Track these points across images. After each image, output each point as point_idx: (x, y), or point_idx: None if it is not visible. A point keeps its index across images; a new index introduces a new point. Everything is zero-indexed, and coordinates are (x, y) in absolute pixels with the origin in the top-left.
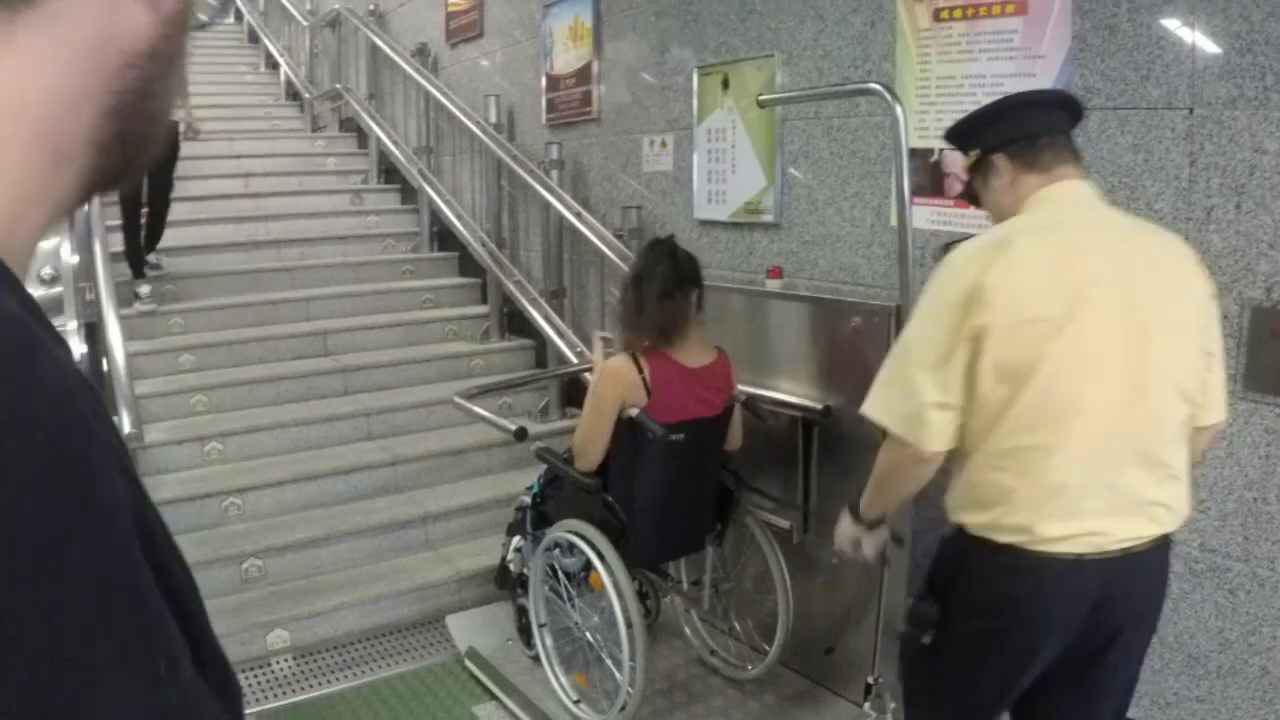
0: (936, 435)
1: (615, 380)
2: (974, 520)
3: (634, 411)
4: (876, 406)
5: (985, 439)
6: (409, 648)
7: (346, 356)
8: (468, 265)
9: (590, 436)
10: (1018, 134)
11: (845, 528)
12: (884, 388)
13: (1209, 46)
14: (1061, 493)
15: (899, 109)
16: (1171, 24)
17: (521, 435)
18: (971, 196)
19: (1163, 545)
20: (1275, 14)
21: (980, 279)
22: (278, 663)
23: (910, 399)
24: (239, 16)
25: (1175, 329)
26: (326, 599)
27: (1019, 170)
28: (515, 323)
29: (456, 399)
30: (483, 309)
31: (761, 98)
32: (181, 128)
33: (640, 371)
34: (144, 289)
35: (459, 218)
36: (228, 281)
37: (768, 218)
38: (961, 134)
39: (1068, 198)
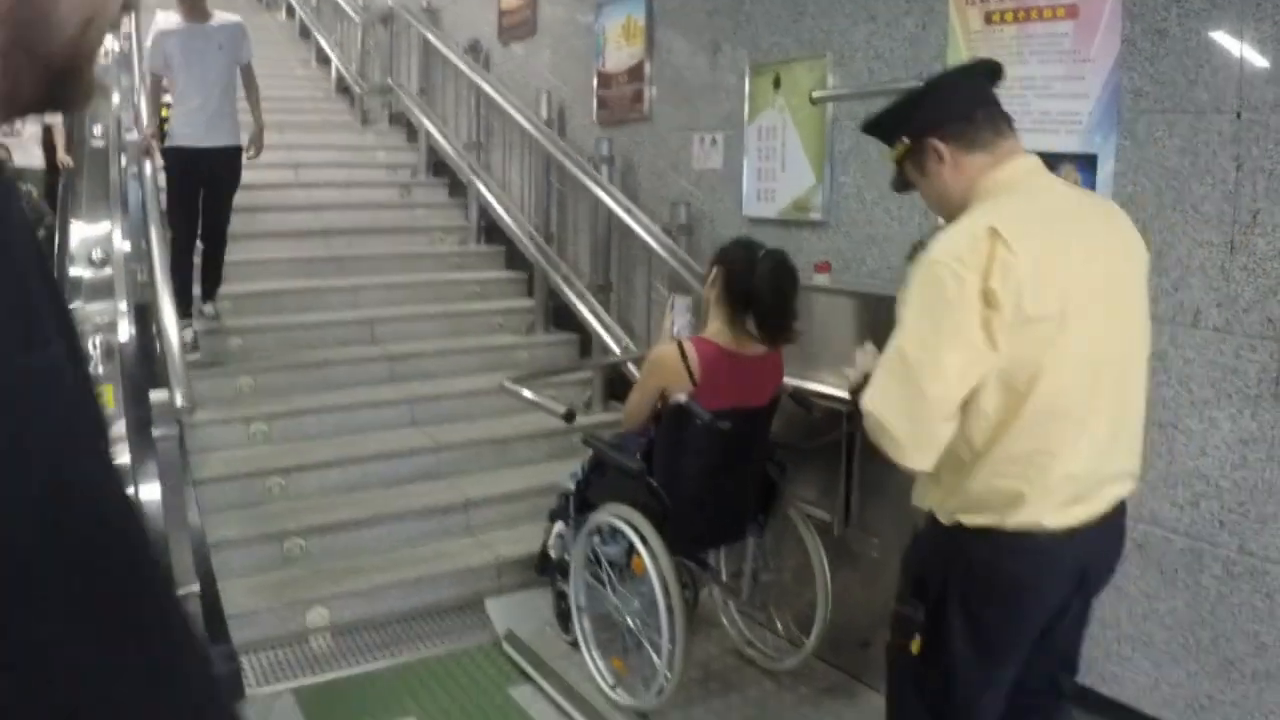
0: (934, 456)
1: (656, 370)
2: (975, 521)
3: (682, 397)
4: (884, 412)
5: (989, 449)
6: (447, 630)
7: (393, 345)
8: (515, 259)
9: (634, 410)
10: (950, 114)
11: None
12: (889, 398)
13: (1257, 51)
14: (1068, 485)
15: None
16: (1220, 29)
17: (570, 417)
18: (903, 185)
19: (1123, 508)
20: None
21: (984, 281)
22: (316, 639)
23: (917, 417)
24: (290, 12)
25: (1138, 303)
26: (367, 578)
27: (960, 152)
28: (561, 317)
29: (506, 383)
30: (529, 302)
31: (815, 94)
32: (248, 149)
33: (684, 359)
34: (187, 333)
35: (507, 211)
36: (276, 267)
37: (816, 216)
38: (884, 125)
39: (1024, 178)
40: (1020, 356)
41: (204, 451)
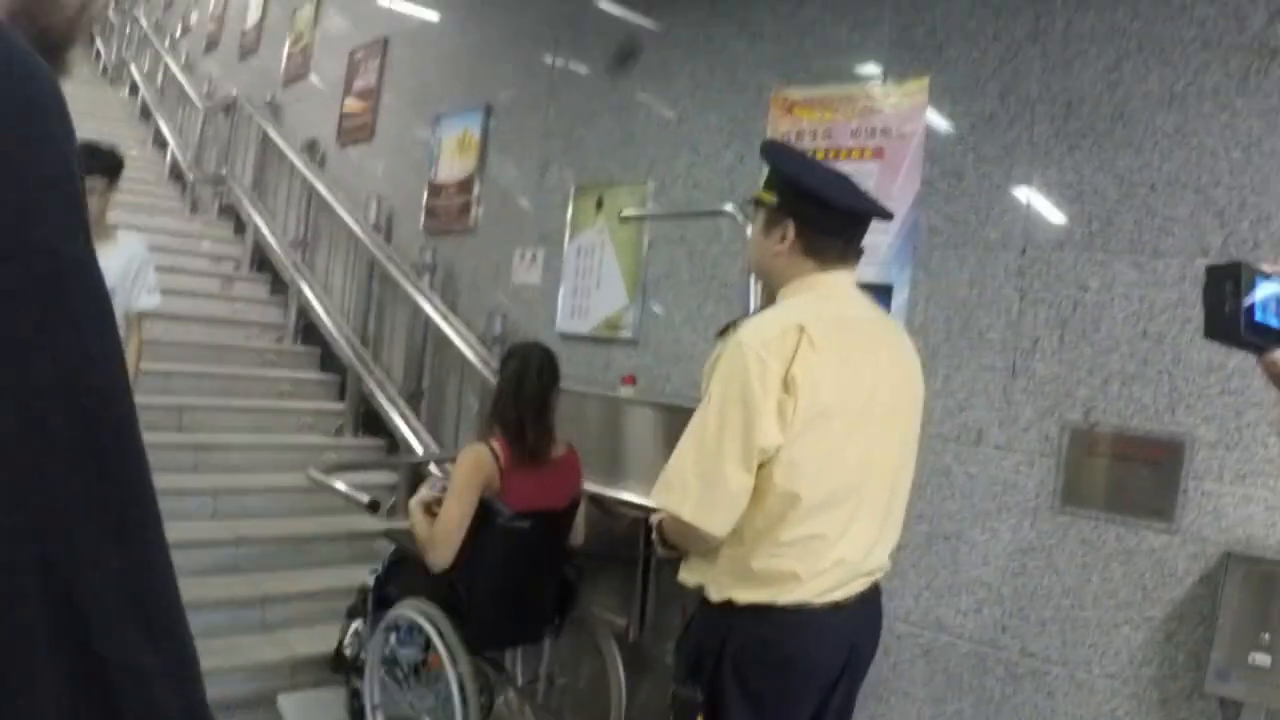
0: (730, 523)
1: (477, 465)
2: (747, 597)
3: (484, 495)
4: (676, 499)
5: (770, 530)
6: None
7: (201, 434)
8: (329, 361)
9: (451, 523)
10: (823, 225)
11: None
12: (685, 478)
13: (1042, 195)
14: (838, 569)
15: (750, 230)
16: (1011, 174)
17: (375, 507)
18: (753, 207)
19: (878, 589)
20: (1103, 168)
21: (786, 368)
22: None
23: (718, 490)
24: (134, 90)
25: (913, 419)
26: None
27: (800, 252)
28: (371, 422)
29: (313, 471)
30: (340, 405)
31: (624, 213)
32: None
33: (496, 459)
34: None
35: (326, 312)
36: None
37: (626, 334)
38: (776, 172)
39: (840, 289)
40: (809, 445)
41: None
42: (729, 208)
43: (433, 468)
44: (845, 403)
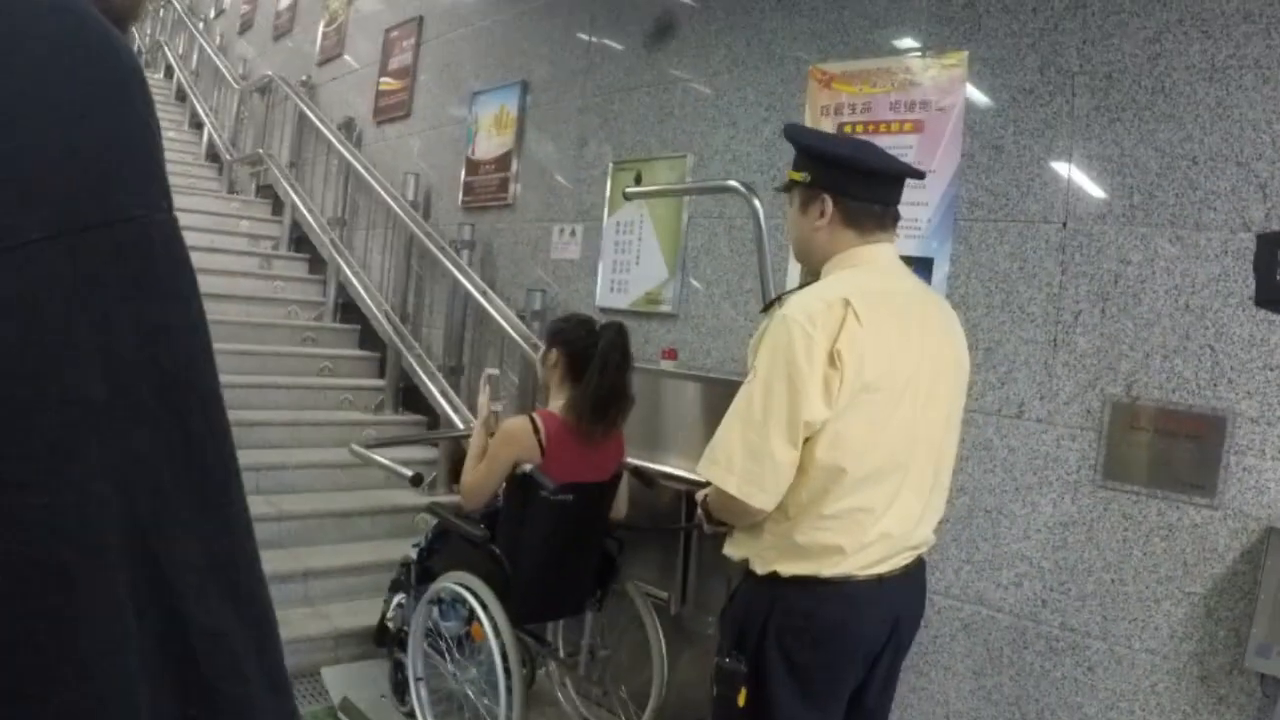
0: (776, 497)
1: (511, 441)
2: (791, 570)
3: (528, 467)
4: (722, 473)
5: (815, 504)
6: None
7: (241, 412)
8: (369, 338)
9: (480, 483)
10: (857, 193)
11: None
12: (732, 452)
13: (1082, 168)
14: (882, 543)
15: (756, 203)
16: (1051, 147)
17: (418, 480)
18: (785, 190)
19: (922, 563)
20: (1144, 141)
21: (832, 343)
22: None
23: (764, 464)
24: (169, 73)
25: (957, 393)
26: None
27: (840, 223)
28: (410, 398)
29: (355, 446)
30: (379, 382)
31: (627, 191)
32: None
33: (536, 432)
34: None
35: (365, 290)
36: None
37: (666, 308)
38: (806, 152)
39: (883, 262)
40: (854, 419)
41: None
42: (733, 183)
43: (487, 370)
44: (891, 377)
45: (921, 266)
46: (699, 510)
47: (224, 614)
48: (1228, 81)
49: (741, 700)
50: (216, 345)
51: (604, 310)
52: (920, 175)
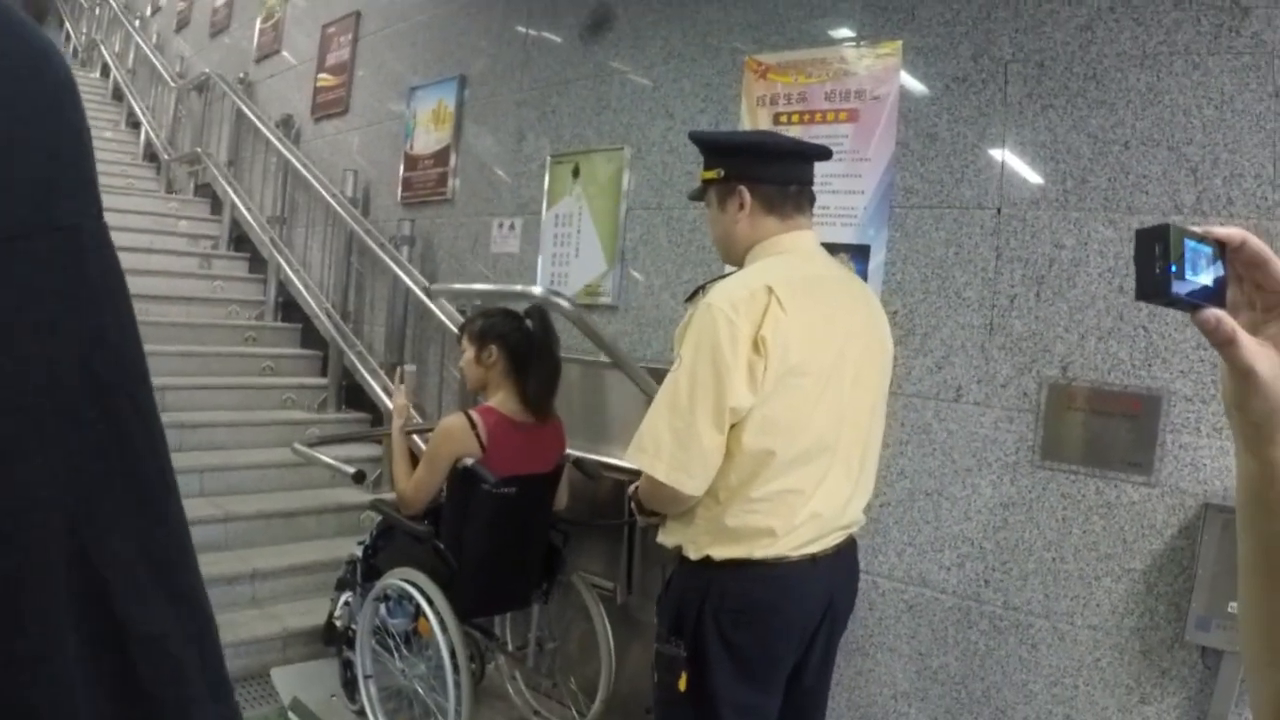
0: (706, 483)
1: (450, 439)
2: (724, 554)
3: (469, 462)
4: (650, 460)
5: (744, 487)
6: None
7: (183, 414)
8: (310, 337)
9: (420, 485)
10: (770, 176)
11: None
12: (659, 439)
13: (1016, 155)
14: (813, 524)
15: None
16: (985, 134)
17: (360, 478)
18: (698, 197)
19: (854, 543)
20: (1076, 127)
21: (756, 330)
22: None
23: (691, 450)
24: (105, 72)
25: (881, 376)
26: None
27: (760, 210)
28: (353, 396)
29: (298, 445)
30: (322, 380)
31: (432, 286)
32: None
33: (474, 427)
34: None
35: (306, 288)
36: None
37: (606, 300)
38: (712, 149)
39: (804, 248)
40: (781, 403)
41: None
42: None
43: (404, 365)
44: (815, 361)
45: (858, 254)
46: (630, 504)
47: (163, 616)
48: (1158, 68)
49: (682, 684)
50: (158, 346)
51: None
52: (827, 154)
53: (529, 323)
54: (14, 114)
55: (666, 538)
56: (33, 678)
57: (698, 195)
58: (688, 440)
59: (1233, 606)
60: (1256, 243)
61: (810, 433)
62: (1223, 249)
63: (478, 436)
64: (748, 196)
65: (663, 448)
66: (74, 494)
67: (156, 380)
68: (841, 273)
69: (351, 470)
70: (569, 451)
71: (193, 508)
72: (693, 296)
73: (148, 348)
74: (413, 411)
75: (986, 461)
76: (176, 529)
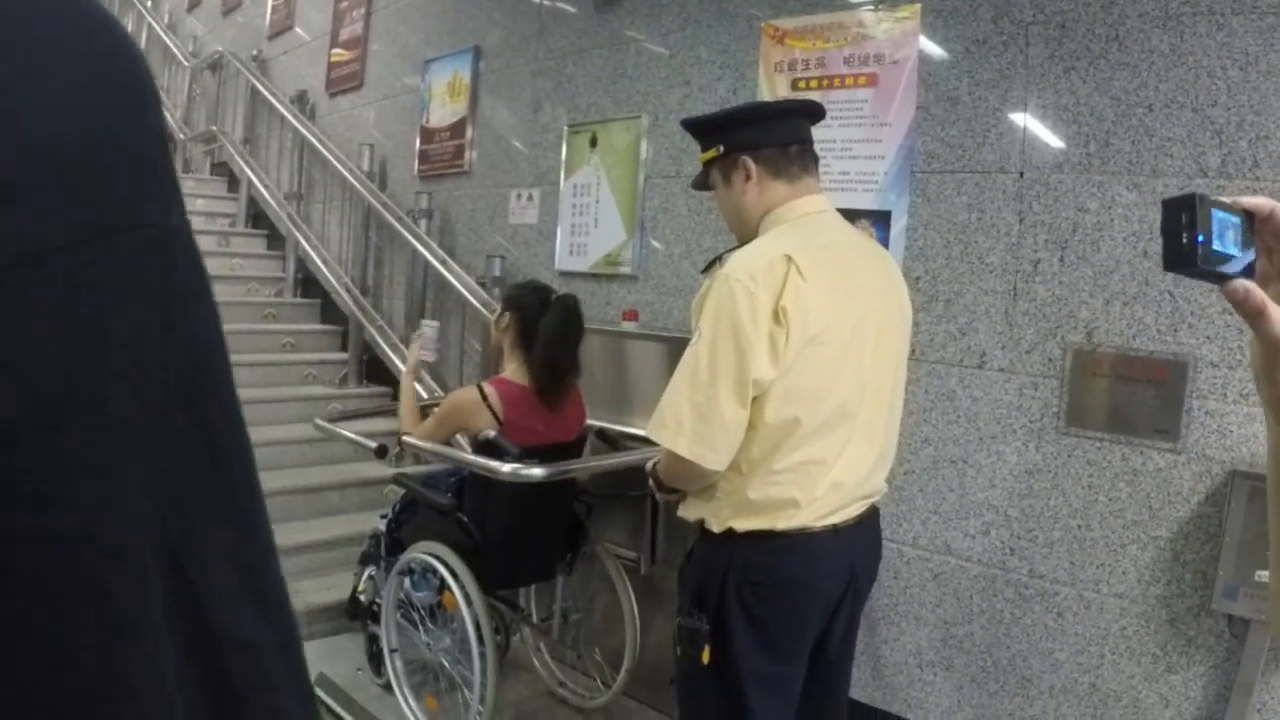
0: (728, 458)
1: (457, 413)
2: (747, 526)
3: (490, 433)
4: (672, 436)
5: (767, 459)
6: None
7: None
8: (330, 312)
9: (425, 435)
10: (769, 140)
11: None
12: (681, 414)
13: (1038, 117)
14: (835, 494)
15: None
16: (1006, 97)
17: (383, 452)
18: (702, 185)
19: (876, 511)
20: (1099, 89)
21: (776, 300)
22: None
23: (713, 425)
24: None
25: (901, 343)
26: None
27: (766, 176)
28: (374, 371)
29: (319, 421)
30: (342, 356)
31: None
32: None
33: (486, 400)
34: None
35: (324, 264)
36: None
37: (626, 270)
38: (706, 128)
39: (818, 213)
40: (804, 373)
41: None
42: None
43: (423, 322)
44: (836, 329)
45: (879, 220)
46: (650, 480)
47: (255, 624)
48: (1181, 28)
49: (705, 658)
50: None
51: (563, 274)
52: (821, 112)
53: (554, 305)
54: (105, 110)
55: (688, 511)
56: (135, 691)
57: (700, 183)
58: (709, 415)
59: (1260, 575)
60: None
61: (832, 401)
62: (1251, 219)
63: (490, 408)
64: (752, 165)
65: (684, 423)
66: (167, 506)
67: None
68: (858, 237)
69: (374, 445)
70: (591, 422)
71: None
72: (709, 267)
73: None
74: (423, 373)
75: (1011, 428)
76: (264, 537)
